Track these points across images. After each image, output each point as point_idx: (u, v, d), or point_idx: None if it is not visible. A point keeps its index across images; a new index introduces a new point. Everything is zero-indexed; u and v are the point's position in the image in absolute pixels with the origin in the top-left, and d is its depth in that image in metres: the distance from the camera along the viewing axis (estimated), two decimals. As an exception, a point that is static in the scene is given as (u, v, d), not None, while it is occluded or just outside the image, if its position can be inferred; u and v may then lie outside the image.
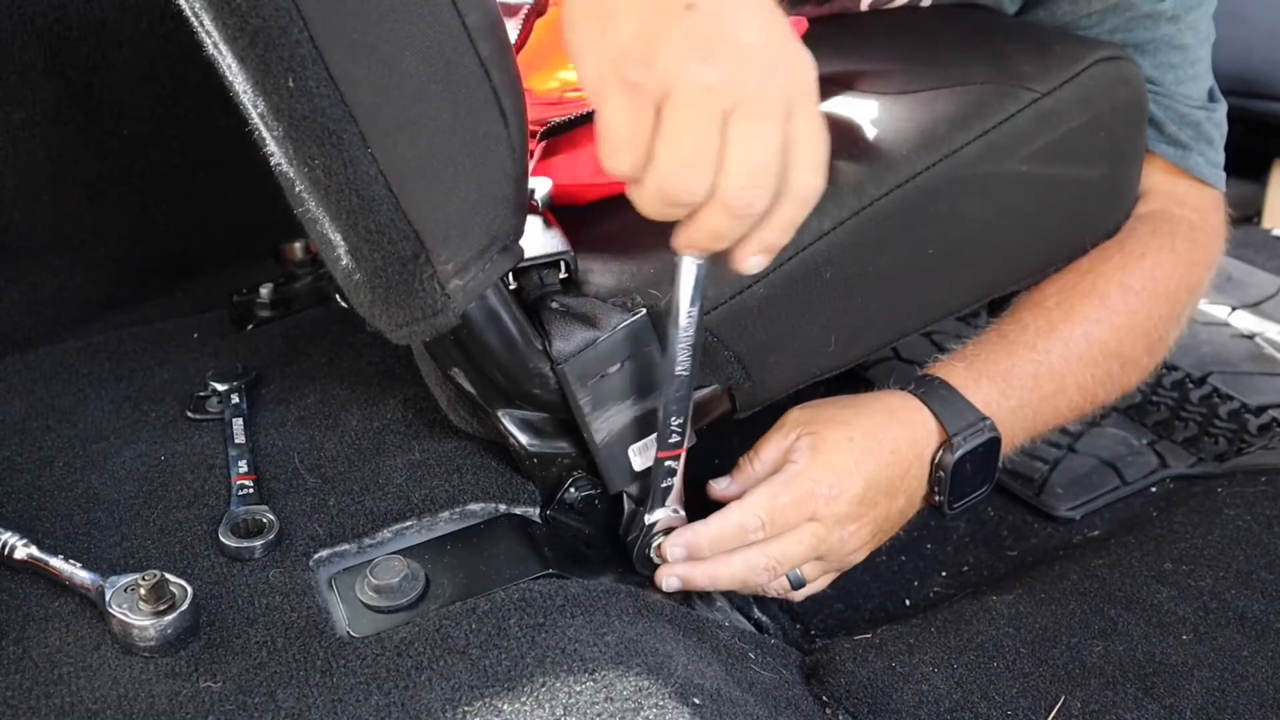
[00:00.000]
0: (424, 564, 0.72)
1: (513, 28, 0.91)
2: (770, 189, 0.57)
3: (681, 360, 0.69)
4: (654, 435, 0.75)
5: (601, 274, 0.74)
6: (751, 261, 0.61)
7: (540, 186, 0.74)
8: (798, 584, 0.80)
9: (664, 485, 0.75)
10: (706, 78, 0.52)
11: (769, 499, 0.76)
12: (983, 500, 1.04)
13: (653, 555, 0.78)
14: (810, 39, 0.91)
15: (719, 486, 0.81)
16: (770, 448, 0.80)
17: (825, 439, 0.78)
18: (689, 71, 0.52)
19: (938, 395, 0.81)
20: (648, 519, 0.76)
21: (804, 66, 0.57)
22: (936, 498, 0.82)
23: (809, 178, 0.58)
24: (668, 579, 0.77)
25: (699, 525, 0.76)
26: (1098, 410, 0.90)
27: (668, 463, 0.74)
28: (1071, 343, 0.85)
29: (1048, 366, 0.84)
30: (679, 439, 0.73)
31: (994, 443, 0.81)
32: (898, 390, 0.83)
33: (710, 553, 0.76)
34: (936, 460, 0.80)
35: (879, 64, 0.87)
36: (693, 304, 0.67)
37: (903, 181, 0.77)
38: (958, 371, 0.83)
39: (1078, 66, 0.80)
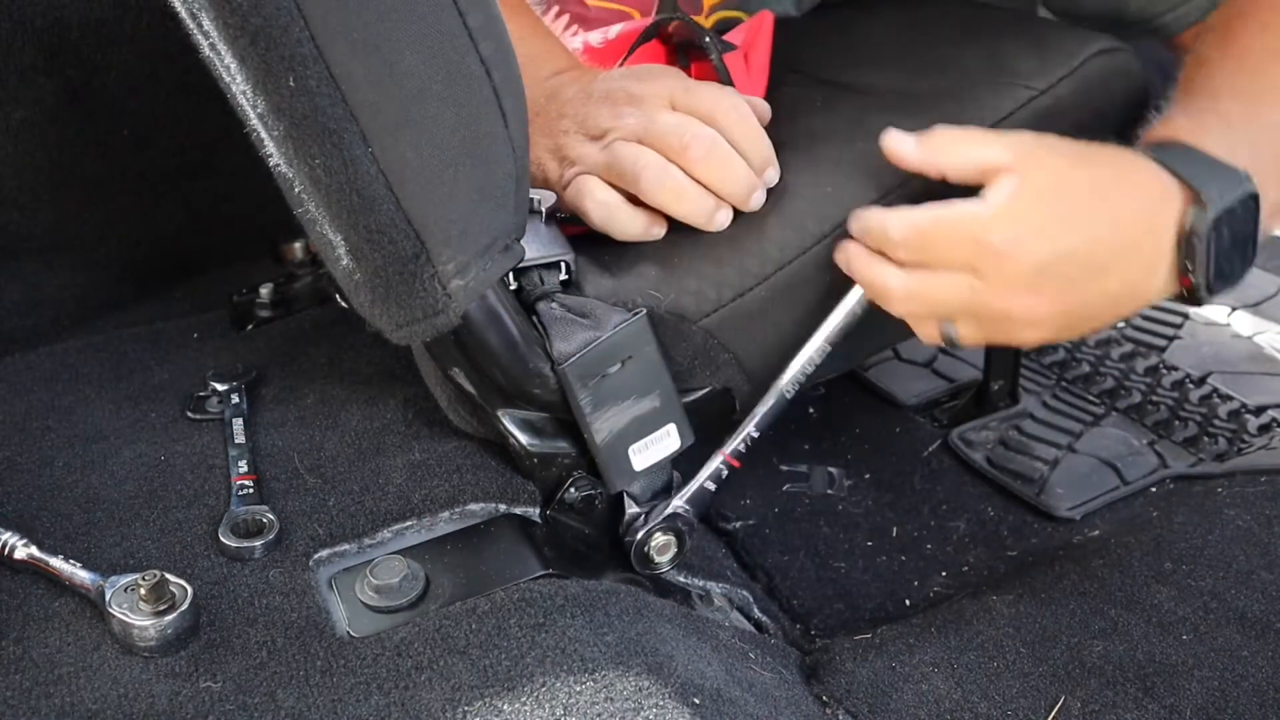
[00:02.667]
0: (424, 564, 0.72)
1: (575, 37, 0.91)
2: None
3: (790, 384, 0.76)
4: (655, 434, 0.75)
5: (601, 275, 0.74)
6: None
7: (546, 199, 0.74)
8: (949, 337, 0.70)
9: (709, 487, 0.78)
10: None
11: (929, 222, 0.66)
12: (983, 500, 1.05)
13: (653, 555, 0.78)
14: (806, 39, 0.92)
15: (901, 144, 0.69)
16: (970, 151, 0.67)
17: (1027, 182, 0.65)
18: None
19: (1172, 152, 0.67)
20: (646, 526, 0.77)
21: None
22: (1191, 277, 0.66)
23: None
24: (840, 255, 0.72)
25: (875, 210, 0.69)
26: None
27: (725, 470, 0.78)
28: (1267, 70, 0.72)
29: (1262, 99, 0.71)
30: (745, 449, 0.78)
31: (1252, 200, 0.66)
32: (1126, 149, 0.68)
33: (869, 241, 0.70)
34: (1188, 226, 0.65)
35: (875, 64, 0.87)
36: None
37: (902, 182, 0.77)
38: (1182, 127, 0.69)
39: (1075, 61, 0.80)
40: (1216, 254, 0.66)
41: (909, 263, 0.68)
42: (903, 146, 0.68)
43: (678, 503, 0.79)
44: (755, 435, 0.78)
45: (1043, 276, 0.65)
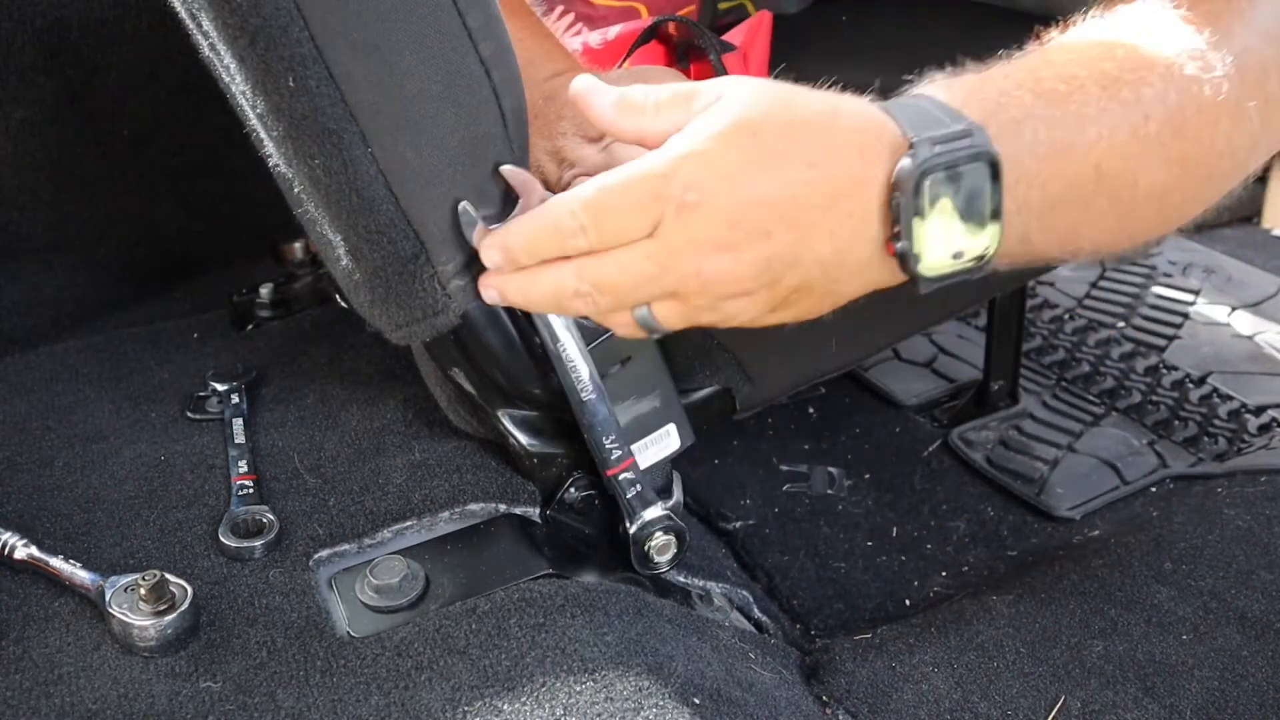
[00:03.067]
0: (424, 564, 0.72)
1: (576, 37, 0.91)
2: None
3: (583, 387, 0.70)
4: (654, 434, 0.75)
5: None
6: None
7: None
8: (646, 325, 0.58)
9: (631, 495, 0.75)
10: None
11: (596, 193, 0.54)
12: (983, 500, 1.04)
13: (653, 555, 0.78)
14: (805, 38, 0.92)
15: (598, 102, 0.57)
16: (678, 102, 0.56)
17: (711, 127, 0.53)
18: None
19: (901, 102, 0.56)
20: (632, 528, 0.76)
21: None
22: (898, 244, 0.54)
23: None
24: (485, 290, 0.61)
25: (514, 221, 0.59)
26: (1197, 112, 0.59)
27: (621, 477, 0.74)
28: (1073, 49, 0.60)
29: (1061, 69, 0.58)
30: (620, 453, 0.73)
31: (985, 162, 0.54)
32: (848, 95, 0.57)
33: (527, 259, 0.58)
34: (895, 179, 0.53)
35: (875, 64, 0.86)
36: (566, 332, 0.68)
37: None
38: (935, 83, 0.58)
39: None
40: (924, 216, 0.53)
41: (587, 250, 0.56)
42: (600, 107, 0.57)
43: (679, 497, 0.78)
44: (612, 440, 0.73)
45: (735, 230, 0.53)
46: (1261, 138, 0.62)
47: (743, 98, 0.54)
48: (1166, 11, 0.61)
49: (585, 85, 0.57)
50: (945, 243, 0.54)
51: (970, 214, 0.54)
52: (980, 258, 0.56)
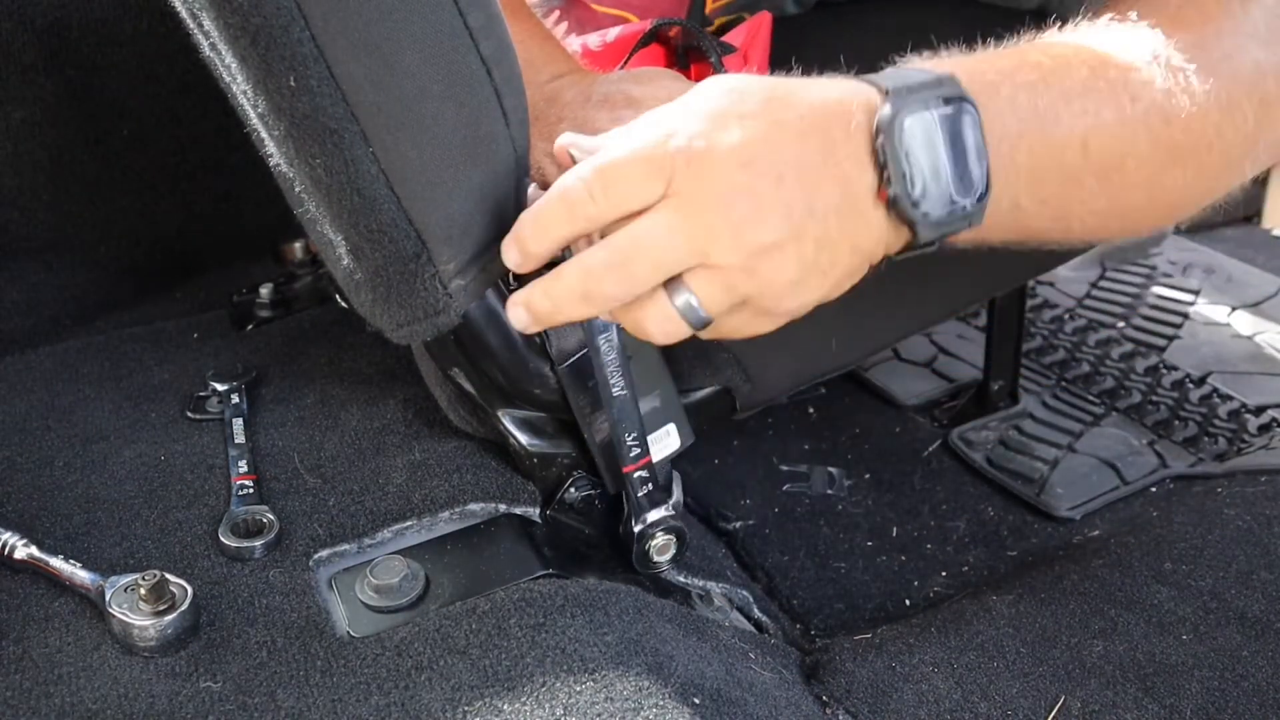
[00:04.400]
0: (424, 564, 0.72)
1: (575, 39, 0.91)
2: None
3: (615, 381, 0.70)
4: (654, 434, 0.75)
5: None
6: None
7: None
8: (695, 319, 0.55)
9: (641, 494, 0.75)
10: None
11: (602, 158, 0.54)
12: (983, 500, 1.04)
13: (653, 555, 0.78)
14: (805, 39, 0.92)
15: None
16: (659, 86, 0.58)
17: (702, 88, 0.55)
18: None
19: (880, 72, 0.57)
20: (636, 528, 0.76)
21: None
22: (890, 189, 0.54)
23: None
24: (513, 311, 0.58)
25: (525, 212, 0.57)
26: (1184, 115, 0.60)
27: (636, 475, 0.74)
28: (1078, 37, 0.61)
29: (1047, 49, 0.60)
30: (639, 451, 0.74)
31: (965, 106, 0.55)
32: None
33: (536, 241, 0.57)
34: (876, 124, 0.54)
35: (875, 65, 0.87)
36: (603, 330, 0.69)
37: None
38: (929, 62, 0.59)
39: None
40: (916, 162, 0.54)
41: (608, 225, 0.55)
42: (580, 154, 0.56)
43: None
44: (634, 436, 0.73)
45: (748, 170, 0.53)
46: (1258, 138, 0.63)
47: (724, 78, 0.55)
48: (1158, 13, 0.62)
49: (512, 238, 0.57)
50: (935, 185, 0.55)
51: (955, 154, 0.55)
52: (977, 198, 0.56)
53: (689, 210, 0.53)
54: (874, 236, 0.57)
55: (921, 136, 0.54)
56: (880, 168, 0.54)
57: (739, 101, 0.54)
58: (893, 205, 0.55)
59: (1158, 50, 0.59)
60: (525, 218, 0.57)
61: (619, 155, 0.53)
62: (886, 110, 0.54)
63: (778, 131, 0.53)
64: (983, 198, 0.56)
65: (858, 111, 0.54)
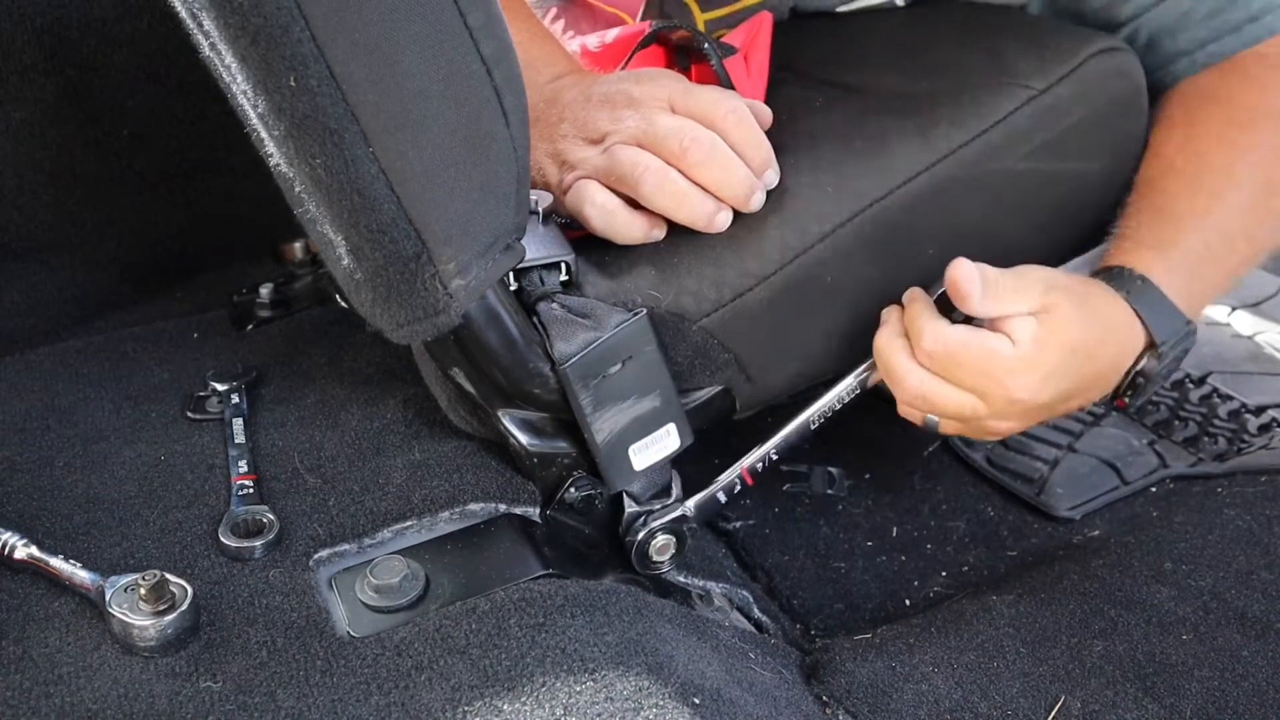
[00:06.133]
0: (424, 564, 0.72)
1: (574, 39, 0.91)
2: None
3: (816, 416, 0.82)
4: (654, 434, 0.75)
5: (601, 276, 0.75)
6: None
7: (543, 199, 0.74)
8: (930, 427, 0.79)
9: (720, 497, 0.81)
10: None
11: (955, 346, 0.73)
12: (983, 500, 1.05)
13: (653, 555, 0.78)
14: (806, 40, 0.92)
15: (968, 284, 0.73)
16: (1007, 298, 0.74)
17: (1050, 335, 0.73)
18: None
19: (1145, 299, 0.78)
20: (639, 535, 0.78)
21: None
22: (1126, 400, 0.80)
23: None
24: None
25: (920, 312, 0.75)
26: (1267, 255, 0.86)
27: (739, 484, 0.82)
28: (1224, 195, 0.82)
29: (1216, 230, 0.81)
30: (761, 469, 0.81)
31: (1190, 345, 0.80)
32: (1113, 291, 0.78)
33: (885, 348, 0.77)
34: (1139, 368, 0.79)
35: (875, 65, 0.87)
36: None
37: (902, 183, 0.77)
38: (1152, 262, 0.79)
39: (1074, 61, 0.80)
40: (1151, 386, 0.80)
41: (928, 367, 0.75)
42: (968, 287, 0.73)
43: (690, 503, 0.79)
44: (775, 457, 0.80)
45: (1037, 410, 0.76)
46: None
47: (1066, 314, 0.73)
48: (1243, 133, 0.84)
49: (964, 273, 0.72)
50: (1155, 393, 0.86)
51: (1169, 375, 0.81)
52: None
53: (983, 413, 0.75)
54: (1076, 410, 0.82)
55: (1163, 377, 0.80)
56: (1130, 390, 0.80)
57: (1068, 361, 0.74)
58: (1121, 409, 0.83)
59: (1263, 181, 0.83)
60: (908, 317, 0.76)
61: (972, 351, 0.73)
62: (1155, 366, 0.78)
63: (1074, 383, 0.76)
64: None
65: (1131, 357, 0.79)
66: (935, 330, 0.73)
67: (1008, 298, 0.73)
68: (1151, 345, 0.78)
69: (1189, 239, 0.80)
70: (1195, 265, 0.80)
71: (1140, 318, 0.78)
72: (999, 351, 0.73)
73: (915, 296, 0.77)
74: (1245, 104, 0.85)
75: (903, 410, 0.79)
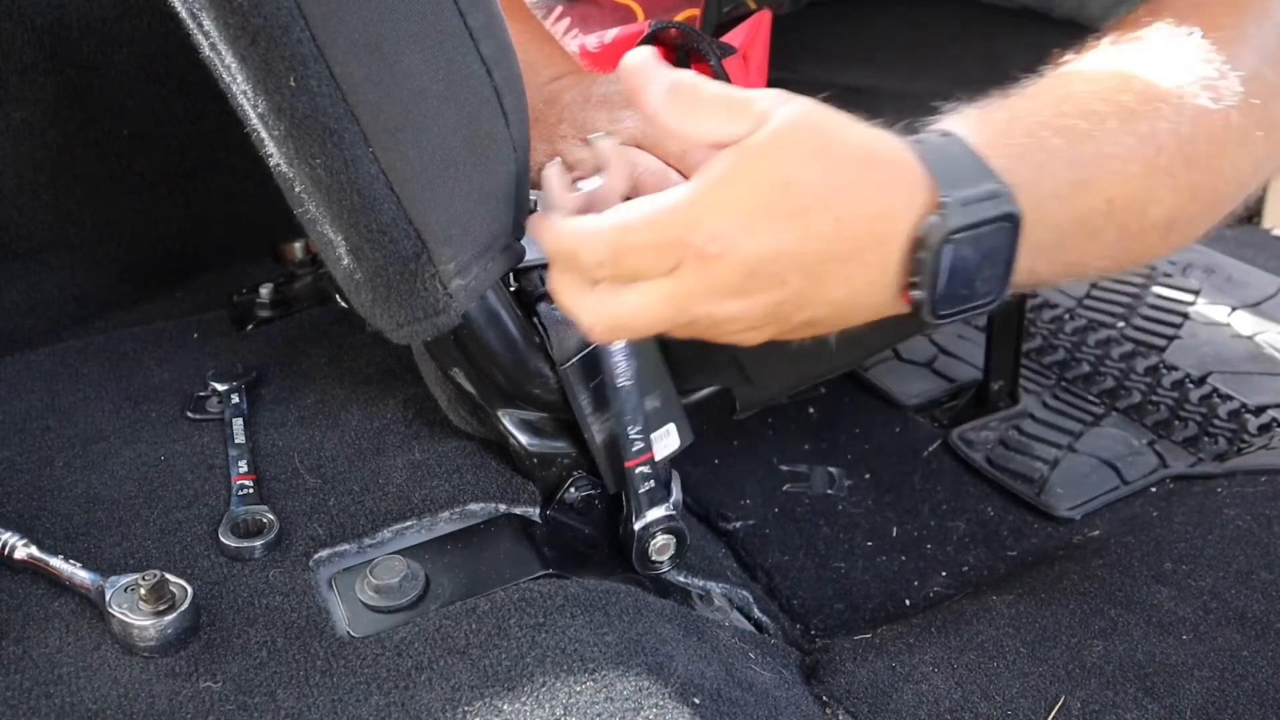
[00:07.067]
0: (424, 564, 0.72)
1: (574, 39, 0.91)
2: None
3: (621, 372, 0.71)
4: (655, 434, 0.75)
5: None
6: None
7: (541, 200, 0.74)
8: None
9: (643, 490, 0.75)
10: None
11: (618, 234, 0.54)
12: (983, 500, 1.04)
13: (653, 555, 0.78)
14: (805, 39, 0.92)
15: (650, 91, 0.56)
16: (706, 119, 0.55)
17: (752, 164, 0.53)
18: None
19: (935, 146, 0.56)
20: (636, 526, 0.76)
21: None
22: (914, 292, 0.55)
23: None
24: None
25: (556, 225, 0.58)
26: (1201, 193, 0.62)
27: (638, 470, 0.74)
28: (1093, 77, 0.60)
29: (1082, 102, 0.58)
30: (642, 445, 0.74)
31: (1009, 222, 0.55)
32: (886, 132, 0.56)
33: (554, 267, 0.59)
34: (921, 235, 0.54)
35: (875, 64, 0.87)
36: None
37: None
38: (967, 118, 0.58)
39: None
40: (949, 272, 0.55)
41: (606, 277, 0.56)
42: (652, 91, 0.55)
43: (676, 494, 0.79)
44: (637, 431, 0.74)
45: (752, 280, 0.54)
46: (1265, 160, 0.63)
47: (783, 141, 0.53)
48: (1178, 38, 0.61)
49: (639, 63, 0.56)
50: (958, 292, 0.55)
51: (988, 268, 0.56)
52: (989, 302, 0.57)
53: (684, 298, 0.55)
54: (870, 316, 0.58)
55: (961, 258, 0.54)
56: (912, 272, 0.55)
57: (779, 198, 0.53)
58: (913, 308, 0.56)
59: (1183, 89, 0.59)
60: (542, 238, 0.58)
61: (636, 230, 0.54)
62: (936, 223, 0.53)
63: (803, 238, 0.53)
64: (1000, 296, 0.56)
65: (903, 218, 0.54)
66: (587, 235, 0.55)
67: (705, 118, 0.54)
68: (937, 207, 0.54)
69: (1033, 104, 0.59)
70: (1033, 128, 0.58)
71: (925, 164, 0.54)
72: (667, 206, 0.53)
73: (550, 223, 0.58)
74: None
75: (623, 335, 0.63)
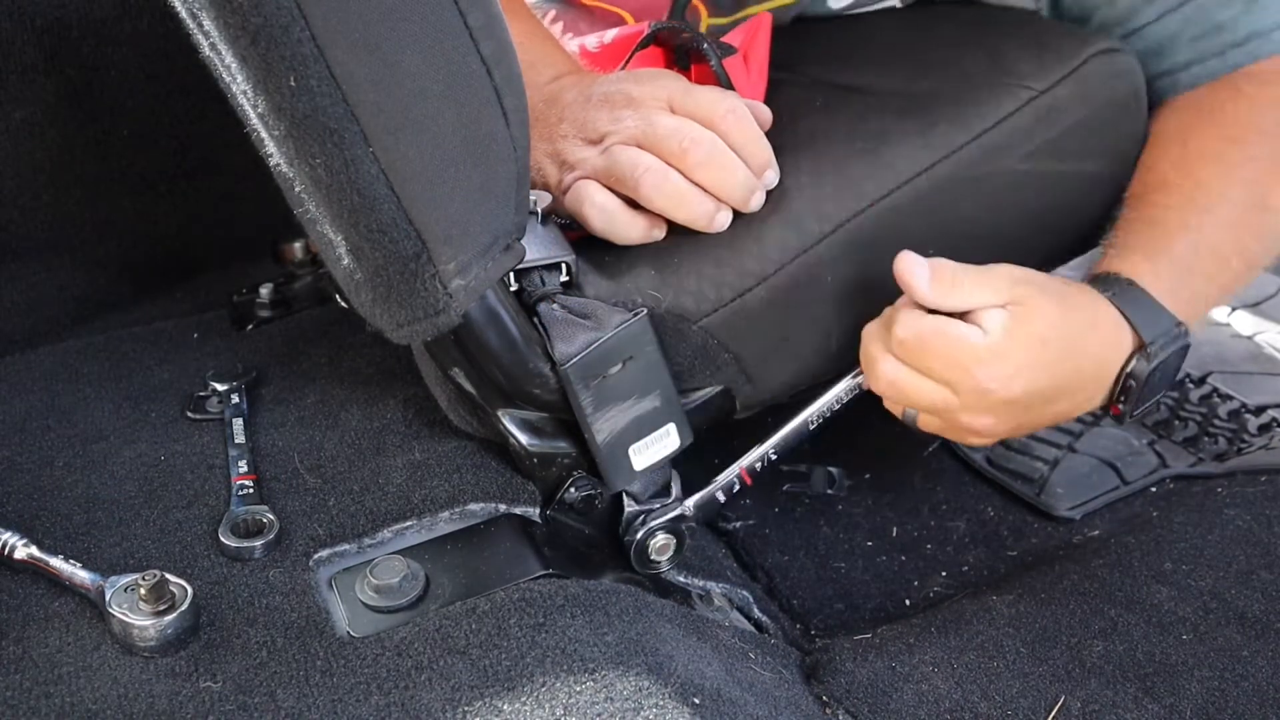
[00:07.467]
0: (424, 564, 0.72)
1: (573, 40, 0.91)
2: None
3: (814, 415, 0.82)
4: (654, 434, 0.75)
5: (601, 276, 0.75)
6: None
7: (541, 200, 0.74)
8: (909, 421, 0.78)
9: (719, 496, 0.81)
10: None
11: (927, 334, 0.72)
12: (983, 500, 1.05)
13: (653, 555, 0.78)
14: (806, 40, 0.92)
15: (915, 275, 0.73)
16: (970, 290, 0.73)
17: (1021, 326, 0.72)
18: None
19: (1130, 298, 0.77)
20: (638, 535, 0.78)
21: None
22: (1120, 406, 0.78)
23: None
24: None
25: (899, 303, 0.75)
26: (1262, 269, 0.86)
27: (738, 483, 0.82)
28: (1216, 210, 0.82)
29: (1207, 243, 0.81)
30: (759, 468, 0.82)
31: (1184, 350, 0.78)
32: (1095, 291, 0.77)
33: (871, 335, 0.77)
34: (1129, 369, 0.77)
35: (876, 65, 0.87)
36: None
37: (902, 183, 0.77)
38: (1140, 266, 0.78)
39: (1074, 61, 0.81)
40: (1147, 391, 0.78)
41: (900, 357, 0.74)
42: (916, 279, 0.73)
43: (689, 502, 0.79)
44: (774, 457, 0.80)
45: (1009, 407, 0.74)
46: None
47: (1037, 309, 0.72)
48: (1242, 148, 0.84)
49: (905, 263, 0.73)
50: (1149, 398, 0.79)
51: (1165, 381, 0.80)
52: (1161, 396, 0.82)
53: (956, 407, 0.74)
54: (1073, 417, 0.82)
55: (1157, 382, 0.78)
56: (1121, 394, 0.78)
57: (1039, 354, 0.73)
58: (1117, 416, 0.79)
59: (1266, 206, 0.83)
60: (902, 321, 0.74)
61: (941, 336, 0.72)
62: (1144, 366, 0.76)
63: (1051, 381, 0.74)
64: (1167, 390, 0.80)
65: (1118, 360, 0.77)
66: (907, 317, 0.73)
67: (969, 290, 0.72)
68: (1141, 347, 0.76)
69: (1178, 248, 0.80)
70: (1184, 274, 0.80)
71: (1126, 317, 0.76)
72: (967, 339, 0.72)
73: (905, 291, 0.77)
74: (1237, 120, 0.85)
75: (886, 403, 0.79)
